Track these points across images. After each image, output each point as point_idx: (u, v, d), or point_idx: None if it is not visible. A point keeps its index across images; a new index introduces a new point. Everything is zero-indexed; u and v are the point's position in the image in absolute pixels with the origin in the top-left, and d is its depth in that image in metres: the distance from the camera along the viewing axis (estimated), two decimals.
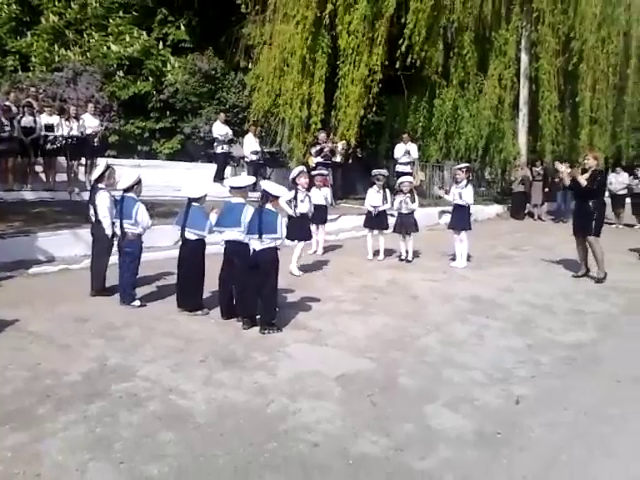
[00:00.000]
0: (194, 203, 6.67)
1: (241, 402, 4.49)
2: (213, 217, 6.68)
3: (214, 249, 6.89)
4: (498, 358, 5.62)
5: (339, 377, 5.01)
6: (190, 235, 6.62)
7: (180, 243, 6.81)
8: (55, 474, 3.47)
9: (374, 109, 15.68)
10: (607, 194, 18.87)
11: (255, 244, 6.22)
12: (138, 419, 4.15)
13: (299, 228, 8.90)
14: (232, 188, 6.64)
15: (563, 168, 9.70)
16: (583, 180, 8.95)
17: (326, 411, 4.38)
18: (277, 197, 6.43)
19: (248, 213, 6.34)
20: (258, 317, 6.26)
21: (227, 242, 6.51)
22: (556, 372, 5.34)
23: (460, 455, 3.82)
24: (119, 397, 4.48)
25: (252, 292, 6.27)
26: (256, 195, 10.86)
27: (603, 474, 3.66)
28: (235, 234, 6.40)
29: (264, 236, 6.15)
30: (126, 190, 6.90)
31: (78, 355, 5.31)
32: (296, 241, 8.85)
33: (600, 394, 4.87)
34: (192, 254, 6.68)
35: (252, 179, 7.64)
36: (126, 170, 8.45)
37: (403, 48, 15.06)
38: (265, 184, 6.56)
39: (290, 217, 8.72)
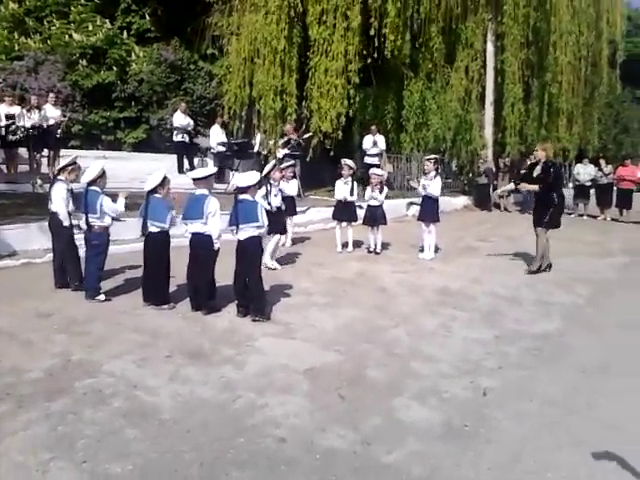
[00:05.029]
0: (155, 194, 6.54)
1: (208, 397, 4.42)
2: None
3: (178, 242, 6.80)
4: (466, 350, 5.66)
5: (307, 371, 4.98)
6: (152, 228, 6.49)
7: (144, 236, 6.70)
8: (15, 475, 3.36)
9: (357, 99, 15.59)
10: (571, 185, 19.39)
11: (238, 234, 6.25)
12: (102, 416, 4.05)
13: (275, 221, 8.82)
14: (194, 180, 6.56)
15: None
16: (532, 186, 9.17)
17: (294, 405, 4.35)
18: (250, 187, 6.37)
19: (211, 204, 6.29)
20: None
21: (192, 234, 6.44)
22: (523, 363, 5.39)
23: (428, 448, 3.82)
24: (83, 394, 4.37)
25: (243, 281, 6.36)
26: (222, 187, 10.86)
27: (569, 464, 3.69)
28: (198, 226, 6.33)
29: (244, 225, 6.18)
30: (90, 183, 6.74)
31: (41, 351, 5.16)
32: (272, 234, 8.79)
33: (566, 384, 4.92)
34: (156, 247, 6.55)
35: (214, 169, 7.54)
36: (90, 162, 8.24)
37: (376, 39, 15.00)
38: (235, 179, 6.51)
39: (266, 211, 8.68)
